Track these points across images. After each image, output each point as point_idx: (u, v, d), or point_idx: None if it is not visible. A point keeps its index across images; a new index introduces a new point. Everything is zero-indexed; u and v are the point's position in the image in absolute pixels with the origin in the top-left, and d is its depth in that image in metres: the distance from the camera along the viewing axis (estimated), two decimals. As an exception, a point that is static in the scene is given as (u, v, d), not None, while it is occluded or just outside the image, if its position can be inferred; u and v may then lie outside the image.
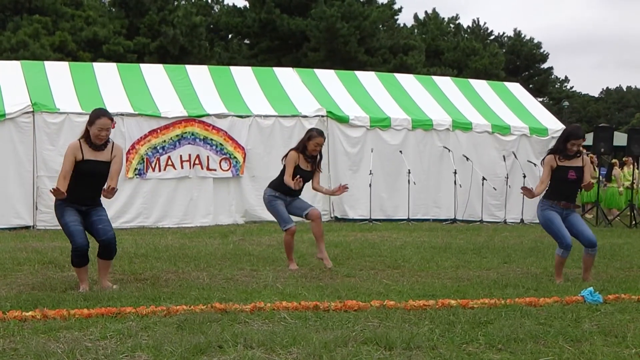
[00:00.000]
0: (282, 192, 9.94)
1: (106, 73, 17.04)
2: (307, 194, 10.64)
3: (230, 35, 49.29)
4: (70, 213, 7.94)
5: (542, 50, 71.48)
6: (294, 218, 10.18)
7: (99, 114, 8.04)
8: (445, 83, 20.64)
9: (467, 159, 18.00)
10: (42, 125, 15.07)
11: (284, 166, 9.95)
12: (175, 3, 46.02)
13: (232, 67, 19.43)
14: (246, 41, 48.76)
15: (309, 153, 9.97)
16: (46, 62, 17.94)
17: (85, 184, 8.01)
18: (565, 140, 9.32)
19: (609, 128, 22.10)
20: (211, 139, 16.13)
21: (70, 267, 9.47)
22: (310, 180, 10.14)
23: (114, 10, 45.40)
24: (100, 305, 6.94)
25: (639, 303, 7.73)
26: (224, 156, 16.26)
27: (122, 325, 6.16)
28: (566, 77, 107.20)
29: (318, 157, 10.12)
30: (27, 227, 14.85)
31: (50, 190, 7.98)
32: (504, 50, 63.81)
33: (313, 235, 10.21)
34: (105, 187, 7.94)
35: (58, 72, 16.73)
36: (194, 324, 6.24)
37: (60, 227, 14.45)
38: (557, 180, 9.32)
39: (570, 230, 9.31)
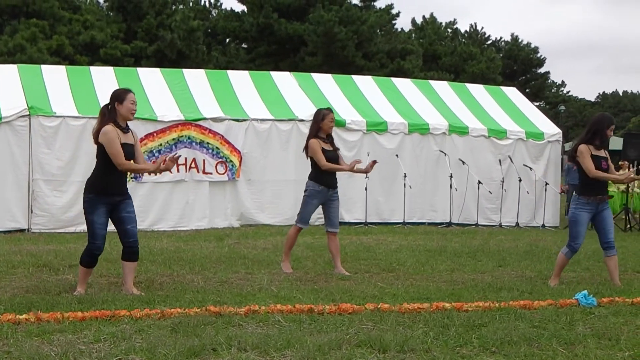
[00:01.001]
0: (325, 185, 9.95)
1: (103, 77, 17.01)
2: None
3: (227, 40, 49.28)
4: (100, 213, 7.87)
5: (539, 55, 71.63)
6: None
7: (125, 90, 8.06)
8: (442, 87, 20.67)
9: (463, 162, 18.02)
10: (39, 128, 15.05)
11: (311, 158, 9.95)
12: (173, 7, 46.02)
13: (229, 71, 19.44)
14: (244, 45, 48.74)
15: (325, 132, 10.00)
16: (43, 66, 17.91)
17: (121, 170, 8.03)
18: (607, 127, 9.20)
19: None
20: (207, 143, 16.13)
21: (65, 270, 9.51)
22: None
23: (111, 14, 45.38)
24: (94, 308, 6.94)
25: (633, 306, 7.74)
26: (220, 160, 16.26)
27: (116, 328, 6.16)
28: (563, 81, 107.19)
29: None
30: (22, 230, 14.82)
31: (165, 160, 7.95)
32: (501, 55, 63.89)
33: (330, 251, 10.21)
34: (167, 158, 7.98)
35: (55, 75, 16.71)
36: (188, 327, 6.25)
37: (55, 231, 14.61)
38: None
39: (598, 224, 9.33)
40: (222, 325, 6.39)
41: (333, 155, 10.00)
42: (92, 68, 18.50)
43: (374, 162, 10.24)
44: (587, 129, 9.30)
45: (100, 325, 6.31)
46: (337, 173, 10.15)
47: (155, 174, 8.32)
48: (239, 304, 7.29)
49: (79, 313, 6.62)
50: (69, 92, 16.14)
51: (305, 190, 10.07)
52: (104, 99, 15.64)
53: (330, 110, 10.23)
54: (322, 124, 9.95)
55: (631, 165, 19.90)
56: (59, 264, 10.12)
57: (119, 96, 7.96)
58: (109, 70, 18.11)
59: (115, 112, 7.93)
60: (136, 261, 8.17)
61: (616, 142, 29.78)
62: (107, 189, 7.90)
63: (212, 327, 6.30)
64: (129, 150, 7.97)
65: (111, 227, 8.07)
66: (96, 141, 7.96)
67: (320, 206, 10.09)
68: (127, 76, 17.32)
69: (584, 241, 9.35)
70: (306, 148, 10.00)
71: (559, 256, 9.49)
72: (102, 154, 7.88)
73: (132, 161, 7.98)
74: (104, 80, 16.75)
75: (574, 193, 9.53)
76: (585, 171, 9.17)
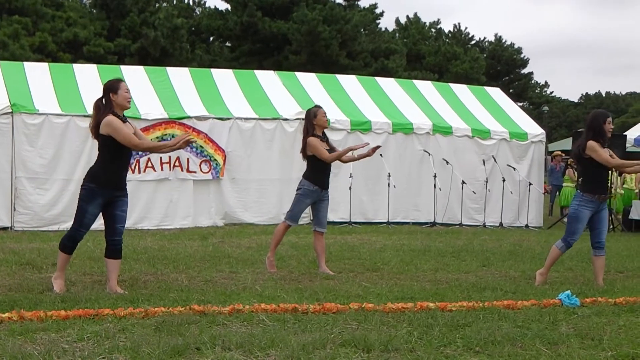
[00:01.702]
0: (319, 185, 9.95)
1: (86, 74, 16.94)
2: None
3: (211, 38, 49.24)
4: (96, 204, 7.87)
5: (522, 56, 72.00)
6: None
7: (117, 80, 8.09)
8: (425, 87, 20.70)
9: (447, 162, 18.06)
10: (21, 126, 14.98)
11: (310, 157, 9.92)
12: (157, 5, 45.93)
13: (213, 70, 19.41)
14: (228, 44, 48.73)
15: (320, 129, 9.98)
16: (26, 63, 17.83)
17: (125, 160, 8.08)
18: (604, 122, 9.20)
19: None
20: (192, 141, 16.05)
21: (48, 269, 9.45)
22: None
23: (94, 11, 45.25)
24: (77, 306, 6.90)
25: (616, 306, 7.77)
26: (204, 158, 16.23)
27: (100, 327, 6.13)
28: (546, 82, 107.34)
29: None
30: (4, 229, 14.74)
31: (185, 140, 8.01)
32: (484, 55, 64.15)
33: (315, 250, 10.21)
34: (185, 137, 8.03)
35: (38, 73, 16.63)
36: (172, 326, 6.22)
37: (38, 229, 14.54)
38: (599, 167, 9.23)
39: (594, 223, 9.37)
40: (206, 324, 6.38)
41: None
42: (75, 65, 18.45)
43: (378, 147, 10.35)
44: (587, 130, 9.31)
45: (83, 324, 6.28)
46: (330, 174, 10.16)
47: (171, 151, 8.38)
48: (223, 303, 7.28)
49: (62, 312, 6.58)
50: (52, 89, 16.06)
51: (298, 189, 10.05)
52: (87, 97, 15.83)
53: (319, 106, 10.22)
54: (316, 120, 9.94)
55: None
56: (42, 262, 10.06)
57: (112, 86, 7.96)
58: (92, 67, 18.05)
59: (111, 103, 7.91)
60: (119, 259, 8.14)
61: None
62: (109, 182, 7.89)
63: (196, 326, 6.28)
64: None
65: (95, 224, 8.05)
66: (96, 136, 7.95)
67: (310, 205, 10.10)
68: (111, 74, 17.11)
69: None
70: (304, 149, 9.96)
71: (552, 249, 9.50)
72: (105, 146, 7.88)
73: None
74: (87, 77, 16.69)
75: (577, 190, 9.55)
76: (604, 163, 9.15)
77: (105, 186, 7.86)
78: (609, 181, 9.65)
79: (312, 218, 10.91)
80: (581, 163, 9.44)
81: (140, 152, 15.35)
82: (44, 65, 17.74)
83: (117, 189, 7.97)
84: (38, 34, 38.73)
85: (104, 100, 7.96)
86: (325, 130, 10.15)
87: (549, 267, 9.55)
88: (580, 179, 9.78)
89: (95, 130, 7.93)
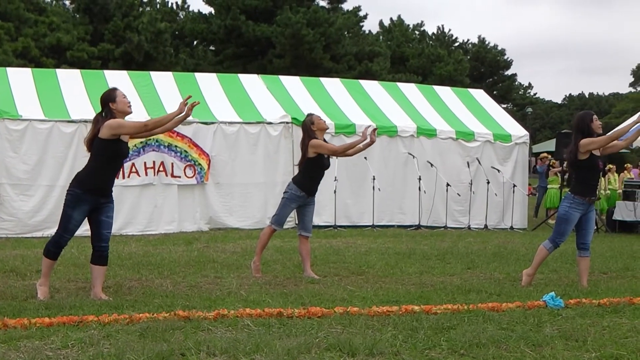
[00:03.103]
0: (307, 192, 9.92)
1: (70, 79, 16.90)
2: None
3: (195, 42, 49.11)
4: (81, 211, 7.83)
5: (506, 57, 72.23)
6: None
7: (112, 89, 8.15)
8: (409, 90, 20.74)
9: (432, 165, 18.10)
10: (4, 132, 14.91)
11: (306, 163, 9.90)
12: (140, 9, 45.82)
13: (196, 74, 19.40)
14: (211, 48, 48.62)
15: (322, 134, 10.00)
16: (9, 68, 17.74)
17: (116, 167, 8.09)
18: (591, 121, 9.28)
19: (571, 134, 22.34)
20: (175, 146, 16.05)
21: (32, 276, 9.41)
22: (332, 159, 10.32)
23: (78, 16, 45.06)
24: (61, 313, 6.88)
25: (600, 307, 7.81)
26: (189, 163, 16.20)
27: (84, 334, 6.11)
28: (530, 83, 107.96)
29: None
30: (-12, 235, 14.68)
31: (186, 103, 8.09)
32: (468, 57, 64.29)
33: (300, 254, 10.21)
34: (189, 103, 8.11)
35: (21, 78, 16.56)
36: (156, 332, 6.21)
37: (22, 235, 14.47)
38: (591, 169, 9.34)
39: (581, 225, 9.42)
40: (191, 329, 6.37)
41: (327, 163, 10.06)
42: (59, 71, 18.39)
43: (375, 129, 10.45)
44: (575, 133, 9.38)
45: (67, 331, 6.25)
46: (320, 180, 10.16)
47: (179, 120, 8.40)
48: (208, 308, 7.26)
49: (46, 319, 6.55)
50: (35, 95, 16.00)
51: (285, 192, 10.05)
52: (71, 102, 15.79)
53: (312, 113, 10.28)
54: (315, 125, 9.92)
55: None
56: (26, 269, 10.01)
57: (109, 96, 8.00)
58: (75, 72, 17.99)
59: (112, 113, 7.90)
60: (105, 265, 8.13)
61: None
62: (96, 188, 7.86)
63: (181, 331, 6.27)
64: (127, 149, 8.12)
65: (79, 231, 8.03)
66: (89, 148, 7.96)
67: (295, 209, 10.11)
68: (94, 79, 17.21)
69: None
70: (303, 157, 9.93)
71: (540, 250, 9.54)
72: (97, 155, 7.87)
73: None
74: (71, 82, 16.66)
75: (568, 192, 9.60)
76: (602, 143, 9.23)
77: (91, 192, 7.84)
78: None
79: (297, 222, 10.90)
80: (574, 166, 9.49)
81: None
82: (27, 71, 17.68)
83: (104, 195, 7.96)
84: (21, 39, 38.52)
85: (103, 113, 7.96)
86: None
87: (536, 268, 9.60)
88: (571, 181, 9.84)
89: (89, 143, 7.95)
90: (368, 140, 10.15)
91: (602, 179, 20.98)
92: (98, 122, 7.94)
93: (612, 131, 9.42)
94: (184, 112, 8.15)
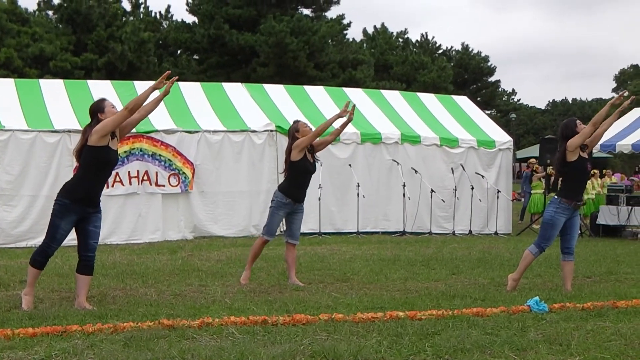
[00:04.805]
0: (292, 198, 9.92)
1: (53, 90, 16.85)
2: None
3: (179, 51, 49.10)
4: (69, 221, 7.81)
5: (489, 64, 72.54)
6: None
7: (100, 100, 8.13)
8: (393, 97, 20.78)
9: (416, 171, 18.13)
10: (-13, 142, 14.86)
11: (290, 169, 9.91)
12: (124, 19, 45.73)
13: (180, 83, 19.32)
14: (195, 57, 48.63)
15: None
16: (-9, 79, 17.70)
17: (105, 176, 8.07)
18: (575, 126, 9.30)
19: (555, 140, 22.46)
20: (160, 155, 16.02)
21: (16, 286, 9.36)
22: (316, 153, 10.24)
23: (61, 26, 44.92)
24: (45, 323, 6.84)
25: (584, 311, 7.83)
26: (173, 172, 16.17)
27: (68, 344, 6.08)
28: (513, 89, 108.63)
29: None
30: (-28, 247, 14.60)
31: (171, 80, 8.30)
32: (452, 64, 64.48)
33: (286, 261, 10.21)
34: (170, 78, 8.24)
35: (4, 89, 16.52)
36: (141, 341, 6.19)
37: (6, 246, 14.41)
38: (579, 172, 9.38)
39: (565, 229, 9.46)
40: (175, 338, 6.35)
41: (313, 167, 10.09)
42: (42, 81, 18.34)
43: (353, 105, 10.36)
44: (561, 141, 9.39)
45: (51, 341, 6.22)
46: (308, 188, 10.15)
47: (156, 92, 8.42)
48: (192, 316, 7.24)
49: (29, 329, 6.52)
50: (18, 105, 15.95)
51: (272, 201, 10.05)
52: (54, 112, 15.74)
53: (298, 120, 10.34)
54: (300, 133, 9.95)
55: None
56: (10, 279, 9.97)
57: (97, 107, 7.99)
58: (59, 83, 17.95)
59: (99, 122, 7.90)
60: (91, 275, 8.10)
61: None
62: (84, 198, 7.83)
63: (166, 340, 6.25)
64: (115, 157, 8.06)
65: (66, 241, 8.00)
66: (78, 159, 7.97)
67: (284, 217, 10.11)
68: (78, 89, 17.17)
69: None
70: (287, 159, 9.94)
71: (525, 254, 9.57)
72: (86, 164, 7.85)
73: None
74: (54, 93, 16.61)
75: (555, 196, 9.63)
76: (588, 133, 9.20)
77: (79, 202, 7.81)
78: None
79: (282, 229, 10.89)
80: (563, 171, 9.54)
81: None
82: (10, 81, 17.60)
83: (92, 205, 7.93)
84: (3, 49, 38.39)
85: (92, 123, 7.93)
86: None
87: (522, 273, 9.63)
88: (557, 186, 9.90)
89: (78, 154, 7.94)
90: (346, 118, 10.16)
91: (589, 182, 21.03)
92: (86, 132, 7.93)
93: (594, 120, 9.39)
94: (164, 89, 8.12)
